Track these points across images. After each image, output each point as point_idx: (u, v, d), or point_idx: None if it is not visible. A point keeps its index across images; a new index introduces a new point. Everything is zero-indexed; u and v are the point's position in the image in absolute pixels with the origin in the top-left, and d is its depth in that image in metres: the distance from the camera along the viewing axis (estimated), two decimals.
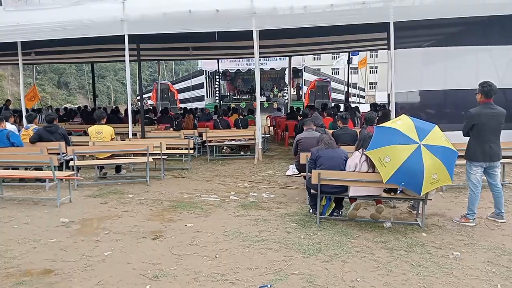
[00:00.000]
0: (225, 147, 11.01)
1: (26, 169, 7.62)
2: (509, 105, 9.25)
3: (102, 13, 9.40)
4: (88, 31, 9.49)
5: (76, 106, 26.34)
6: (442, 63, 9.27)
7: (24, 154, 7.24)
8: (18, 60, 10.77)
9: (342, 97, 28.65)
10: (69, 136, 8.64)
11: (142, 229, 5.05)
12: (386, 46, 9.42)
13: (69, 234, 4.92)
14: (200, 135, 10.50)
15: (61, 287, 3.57)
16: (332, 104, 18.08)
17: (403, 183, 4.71)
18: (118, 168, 8.47)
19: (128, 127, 10.08)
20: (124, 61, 10.17)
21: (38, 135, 7.89)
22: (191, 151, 9.12)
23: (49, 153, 7.04)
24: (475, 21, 8.97)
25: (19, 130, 8.57)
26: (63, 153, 7.65)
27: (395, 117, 7.17)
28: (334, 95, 28.69)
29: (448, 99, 9.22)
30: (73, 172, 6.93)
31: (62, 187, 6.45)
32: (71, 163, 7.47)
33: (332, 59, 41.99)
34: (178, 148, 9.41)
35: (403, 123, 4.87)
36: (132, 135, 9.95)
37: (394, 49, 8.78)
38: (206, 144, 10.11)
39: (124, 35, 9.41)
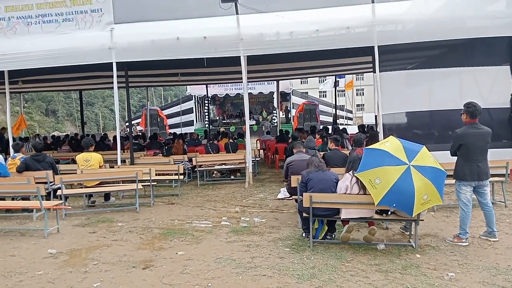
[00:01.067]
0: (215, 172, 10.96)
1: (13, 199, 7.47)
2: (494, 124, 9.45)
3: (90, 41, 9.47)
4: (76, 59, 9.53)
5: (64, 133, 26.11)
6: (426, 85, 9.46)
7: (11, 184, 7.10)
8: (4, 89, 10.71)
9: (330, 119, 28.94)
10: (57, 165, 8.52)
11: (132, 259, 4.94)
12: (371, 69, 9.61)
13: (57, 265, 4.79)
14: (190, 160, 10.46)
15: None
16: (321, 127, 18.22)
17: (394, 205, 4.73)
18: (107, 196, 8.35)
19: (117, 154, 10.00)
20: (112, 88, 10.18)
21: (25, 164, 7.77)
22: (181, 177, 9.05)
23: (37, 182, 6.93)
24: (457, 43, 9.23)
25: (5, 159, 8.44)
26: (50, 182, 7.52)
27: (383, 138, 7.26)
28: (322, 117, 29.02)
29: (434, 119, 9.38)
30: (61, 202, 6.81)
31: (49, 217, 6.31)
32: (58, 192, 7.34)
33: (319, 82, 42.55)
34: (168, 174, 9.34)
35: (391, 145, 4.91)
36: (121, 162, 9.86)
37: (379, 71, 8.97)
38: (196, 169, 10.06)
39: (112, 62, 9.46)
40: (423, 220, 5.15)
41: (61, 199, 7.10)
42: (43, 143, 11.50)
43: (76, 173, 7.99)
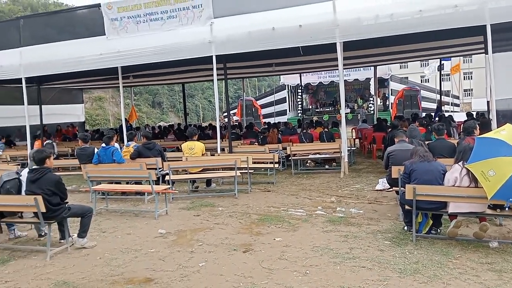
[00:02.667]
0: (309, 161, 10.94)
1: (127, 183, 8.30)
2: None
3: (192, 37, 10.03)
4: (180, 54, 10.19)
5: (168, 123, 28.15)
6: None
7: (126, 169, 7.89)
8: (118, 83, 11.88)
9: (434, 106, 26.94)
10: (164, 152, 9.24)
11: (232, 242, 5.19)
12: (482, 50, 8.72)
13: (166, 244, 5.22)
14: (284, 149, 10.58)
15: None
16: (423, 114, 17.09)
17: (511, 199, 4.27)
18: (208, 182, 8.85)
19: (216, 142, 10.52)
20: (211, 80, 10.69)
21: (138, 151, 8.56)
22: (276, 165, 9.21)
23: (148, 168, 7.60)
24: None
25: (120, 148, 9.39)
26: (159, 168, 8.20)
27: (497, 127, 6.57)
28: (424, 104, 27.08)
29: None
30: (169, 186, 7.38)
31: (159, 200, 6.89)
32: (166, 178, 7.97)
33: (421, 66, 39.76)
34: (263, 162, 9.57)
35: (508, 133, 4.45)
36: (221, 150, 10.35)
37: (492, 53, 8.09)
38: (290, 158, 10.15)
39: (212, 55, 9.91)
40: None
41: (168, 184, 7.70)
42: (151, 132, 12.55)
43: (181, 160, 8.59)
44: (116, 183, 8.14)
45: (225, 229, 5.79)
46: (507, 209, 4.60)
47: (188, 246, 5.11)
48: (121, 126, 13.53)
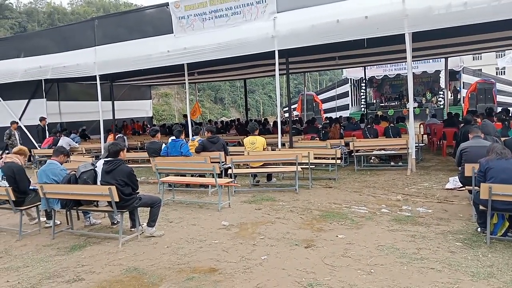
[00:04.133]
0: (373, 157, 10.61)
1: (192, 175, 8.59)
2: None
3: (255, 32, 10.08)
4: (243, 50, 10.29)
5: (230, 119, 28.71)
6: None
7: (191, 162, 8.18)
8: (183, 80, 12.29)
9: (511, 100, 24.91)
10: (227, 146, 9.44)
11: (294, 237, 5.18)
12: None
13: (230, 236, 5.34)
14: (347, 144, 10.35)
15: (225, 286, 3.88)
16: (499, 109, 15.86)
17: None
18: (269, 177, 8.91)
19: (277, 137, 10.54)
20: (273, 75, 10.70)
21: (203, 145, 8.83)
22: (338, 161, 9.05)
23: (211, 162, 7.81)
24: None
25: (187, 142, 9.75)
26: (222, 162, 8.39)
27: None
28: (500, 98, 25.09)
29: None
30: (231, 180, 7.54)
31: (222, 193, 7.06)
32: (229, 171, 8.14)
33: (496, 57, 36.87)
34: (324, 158, 9.44)
35: None
36: (281, 145, 10.36)
37: None
38: (353, 154, 9.91)
39: (274, 50, 9.91)
40: None
41: (231, 177, 7.86)
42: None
43: (243, 154, 8.73)
44: (182, 175, 8.46)
45: (286, 223, 5.80)
46: None
47: (251, 239, 5.19)
48: (186, 121, 14.01)
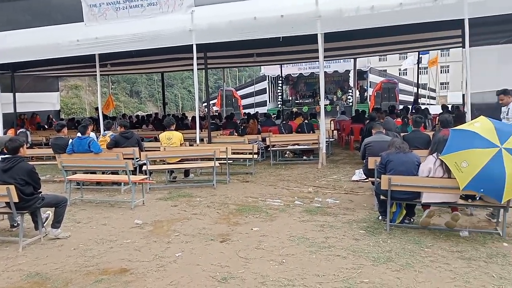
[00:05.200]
0: (287, 152, 11.00)
1: (103, 173, 8.16)
2: None
3: (173, 24, 9.84)
4: (159, 42, 9.99)
5: (146, 113, 27.77)
6: None
7: (102, 159, 7.75)
8: (95, 71, 11.61)
9: (411, 98, 27.35)
10: (141, 142, 9.11)
11: (210, 232, 5.18)
12: (459, 44, 8.87)
13: (143, 235, 5.18)
14: (264, 139, 10.60)
15: (136, 286, 3.75)
16: (401, 107, 17.36)
17: (482, 190, 4.40)
18: (186, 172, 8.79)
19: (195, 133, 10.44)
20: (191, 70, 10.56)
21: (115, 141, 8.41)
22: (255, 156, 9.23)
23: (124, 158, 7.48)
24: None
25: (97, 137, 9.21)
26: (136, 158, 8.09)
27: (471, 119, 6.73)
28: (402, 97, 27.45)
29: None
30: (146, 176, 7.31)
31: (136, 191, 6.82)
32: (144, 168, 7.87)
33: (400, 59, 40.32)
34: (242, 153, 9.57)
35: (481, 125, 4.56)
36: (200, 141, 10.28)
37: (469, 47, 8.25)
38: (269, 149, 10.17)
39: (192, 44, 9.78)
40: None
41: (146, 174, 7.61)
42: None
43: (159, 150, 8.50)
44: (92, 173, 8.00)
45: (202, 219, 5.78)
46: (478, 199, 4.75)
47: (165, 236, 5.08)
48: (98, 115, 13.26)
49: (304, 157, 10.73)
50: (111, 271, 4.09)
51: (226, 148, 8.16)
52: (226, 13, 9.43)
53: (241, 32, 9.42)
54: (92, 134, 8.66)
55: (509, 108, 6.35)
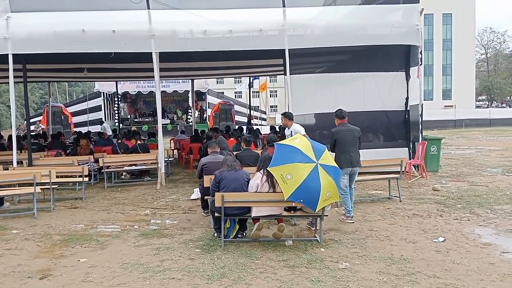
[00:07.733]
0: (124, 173, 10.46)
1: None
2: (391, 125, 10.33)
3: None
4: None
5: None
6: (333, 88, 10.03)
7: None
8: None
9: (245, 119, 29.38)
10: None
11: (27, 268, 4.51)
12: (283, 72, 9.92)
13: None
14: (97, 160, 9.85)
15: None
16: (236, 127, 18.41)
17: (301, 200, 4.91)
18: (0, 201, 7.52)
19: (12, 154, 9.06)
20: (7, 82, 9.20)
21: None
22: (86, 179, 8.49)
23: None
24: (361, 49, 9.91)
25: None
26: None
27: None
28: (237, 118, 29.29)
29: None
30: None
31: None
32: None
33: (235, 82, 43.11)
34: (71, 176, 8.70)
35: (301, 142, 5.13)
36: (18, 163, 8.96)
37: (290, 74, 9.28)
38: (103, 171, 9.50)
39: (7, 54, 8.56)
40: (327, 215, 5.43)
41: None
42: None
43: None
44: None
45: (18, 254, 5.01)
46: (298, 209, 5.29)
47: None
48: None
49: (146, 178, 10.25)
50: None
51: (50, 171, 7.30)
52: (50, 23, 8.60)
53: (69, 45, 8.68)
54: None
55: (291, 131, 7.43)
